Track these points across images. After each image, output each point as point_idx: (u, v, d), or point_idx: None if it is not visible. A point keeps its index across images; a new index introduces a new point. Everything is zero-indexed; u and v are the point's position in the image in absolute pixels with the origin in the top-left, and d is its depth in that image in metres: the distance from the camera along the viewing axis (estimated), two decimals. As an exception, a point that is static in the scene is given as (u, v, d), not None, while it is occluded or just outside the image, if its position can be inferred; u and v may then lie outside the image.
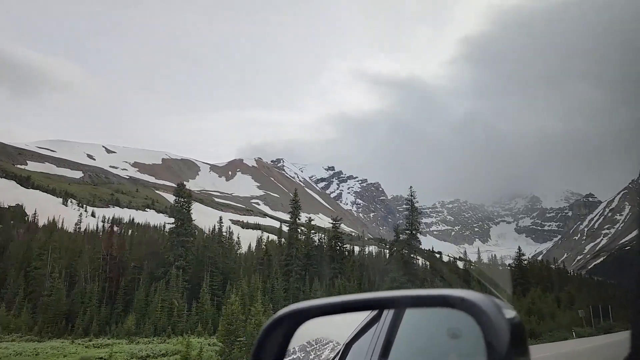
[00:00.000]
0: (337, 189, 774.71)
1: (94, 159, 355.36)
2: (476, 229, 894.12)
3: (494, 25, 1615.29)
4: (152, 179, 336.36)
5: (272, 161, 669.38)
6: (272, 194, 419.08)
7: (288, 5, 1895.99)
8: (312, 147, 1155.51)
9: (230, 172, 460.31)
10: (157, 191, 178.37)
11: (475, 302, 1.50)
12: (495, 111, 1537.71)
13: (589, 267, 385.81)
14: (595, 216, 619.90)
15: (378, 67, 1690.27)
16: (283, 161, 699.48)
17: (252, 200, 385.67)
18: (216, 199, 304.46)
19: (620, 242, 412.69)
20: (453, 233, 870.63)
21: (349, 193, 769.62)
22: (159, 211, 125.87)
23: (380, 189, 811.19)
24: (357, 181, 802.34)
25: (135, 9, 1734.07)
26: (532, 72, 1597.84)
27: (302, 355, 2.28)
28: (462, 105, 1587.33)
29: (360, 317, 2.38)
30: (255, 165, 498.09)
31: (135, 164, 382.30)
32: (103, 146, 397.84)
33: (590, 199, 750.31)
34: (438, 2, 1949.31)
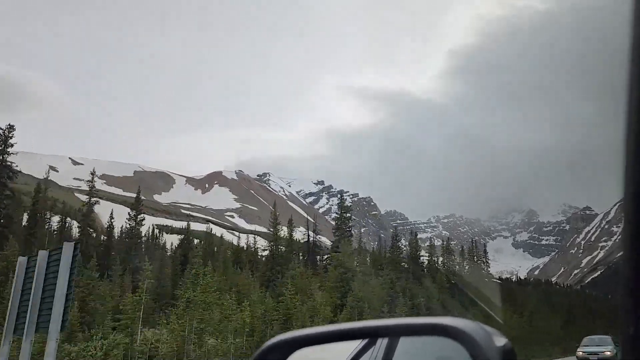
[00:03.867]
0: (327, 203, 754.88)
1: (57, 171, 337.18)
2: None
3: (482, 37, 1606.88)
4: (119, 191, 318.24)
5: (257, 175, 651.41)
6: (249, 207, 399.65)
7: (274, 24, 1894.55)
8: (302, 163, 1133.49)
9: (207, 185, 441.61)
10: (76, 194, 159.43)
11: (465, 330, 1.49)
12: (489, 124, 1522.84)
13: (586, 281, 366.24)
14: (592, 229, 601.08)
15: (367, 82, 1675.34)
16: (269, 175, 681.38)
17: (226, 213, 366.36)
18: (183, 211, 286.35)
19: (618, 255, 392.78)
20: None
21: (338, 208, 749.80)
22: (56, 213, 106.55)
23: (372, 203, 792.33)
24: (348, 195, 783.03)
25: (120, 27, 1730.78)
26: (524, 83, 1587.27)
27: None
28: (455, 118, 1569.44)
29: (352, 346, 2.32)
30: (236, 178, 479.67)
31: (103, 176, 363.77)
32: (69, 158, 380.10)
33: (588, 212, 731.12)
34: (424, 16, 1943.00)
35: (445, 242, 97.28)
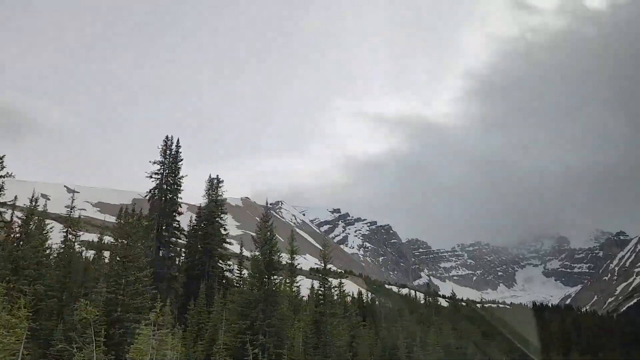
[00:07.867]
0: (343, 232, 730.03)
1: (49, 198, 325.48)
2: (500, 273, 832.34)
3: (498, 57, 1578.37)
4: (112, 219, 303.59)
5: (270, 204, 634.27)
6: (252, 233, 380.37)
7: (287, 52, 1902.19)
8: (319, 191, 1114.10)
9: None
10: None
11: None
12: (513, 146, 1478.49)
13: (622, 310, 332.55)
14: (626, 254, 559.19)
15: (382, 107, 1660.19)
16: (282, 204, 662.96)
17: (227, 240, 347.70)
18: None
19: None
20: (475, 278, 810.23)
21: (355, 236, 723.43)
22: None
23: (392, 231, 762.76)
24: (366, 224, 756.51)
25: (128, 56, 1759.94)
26: (546, 102, 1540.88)
27: None
28: (476, 141, 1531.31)
29: None
30: (241, 205, 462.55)
31: (98, 204, 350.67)
32: (64, 185, 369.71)
33: (622, 237, 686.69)
34: (437, 39, 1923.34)
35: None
